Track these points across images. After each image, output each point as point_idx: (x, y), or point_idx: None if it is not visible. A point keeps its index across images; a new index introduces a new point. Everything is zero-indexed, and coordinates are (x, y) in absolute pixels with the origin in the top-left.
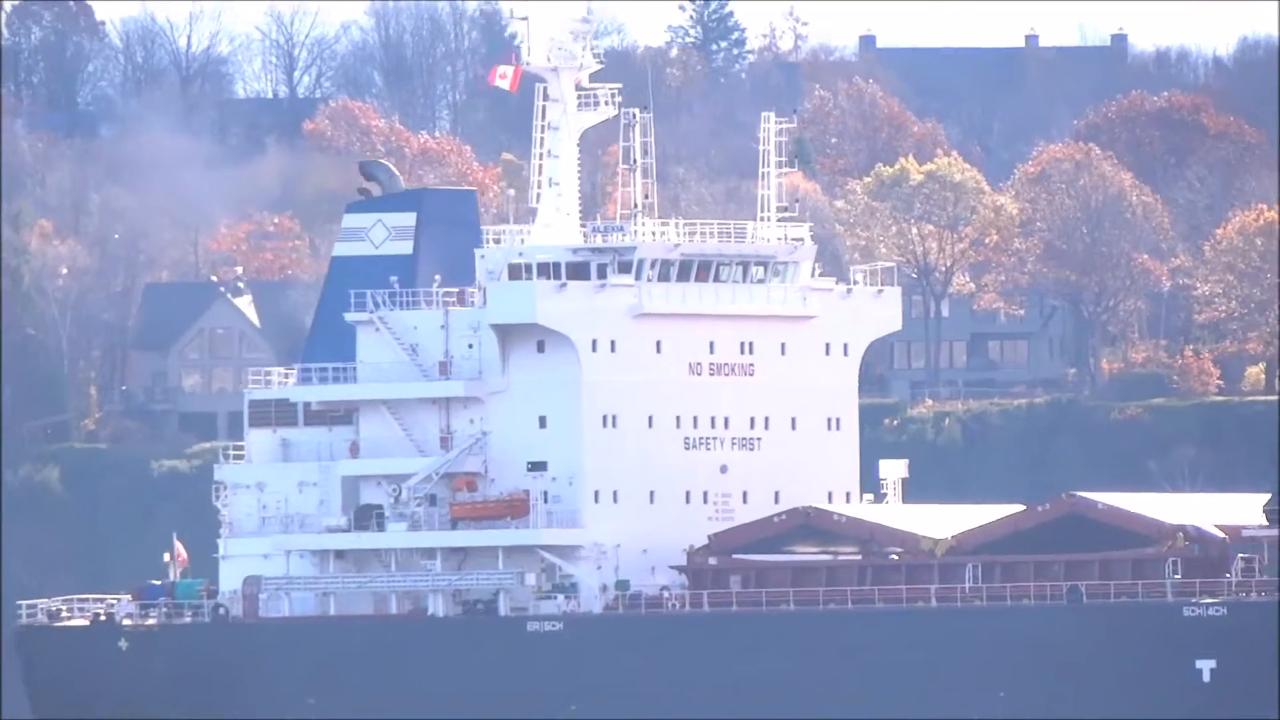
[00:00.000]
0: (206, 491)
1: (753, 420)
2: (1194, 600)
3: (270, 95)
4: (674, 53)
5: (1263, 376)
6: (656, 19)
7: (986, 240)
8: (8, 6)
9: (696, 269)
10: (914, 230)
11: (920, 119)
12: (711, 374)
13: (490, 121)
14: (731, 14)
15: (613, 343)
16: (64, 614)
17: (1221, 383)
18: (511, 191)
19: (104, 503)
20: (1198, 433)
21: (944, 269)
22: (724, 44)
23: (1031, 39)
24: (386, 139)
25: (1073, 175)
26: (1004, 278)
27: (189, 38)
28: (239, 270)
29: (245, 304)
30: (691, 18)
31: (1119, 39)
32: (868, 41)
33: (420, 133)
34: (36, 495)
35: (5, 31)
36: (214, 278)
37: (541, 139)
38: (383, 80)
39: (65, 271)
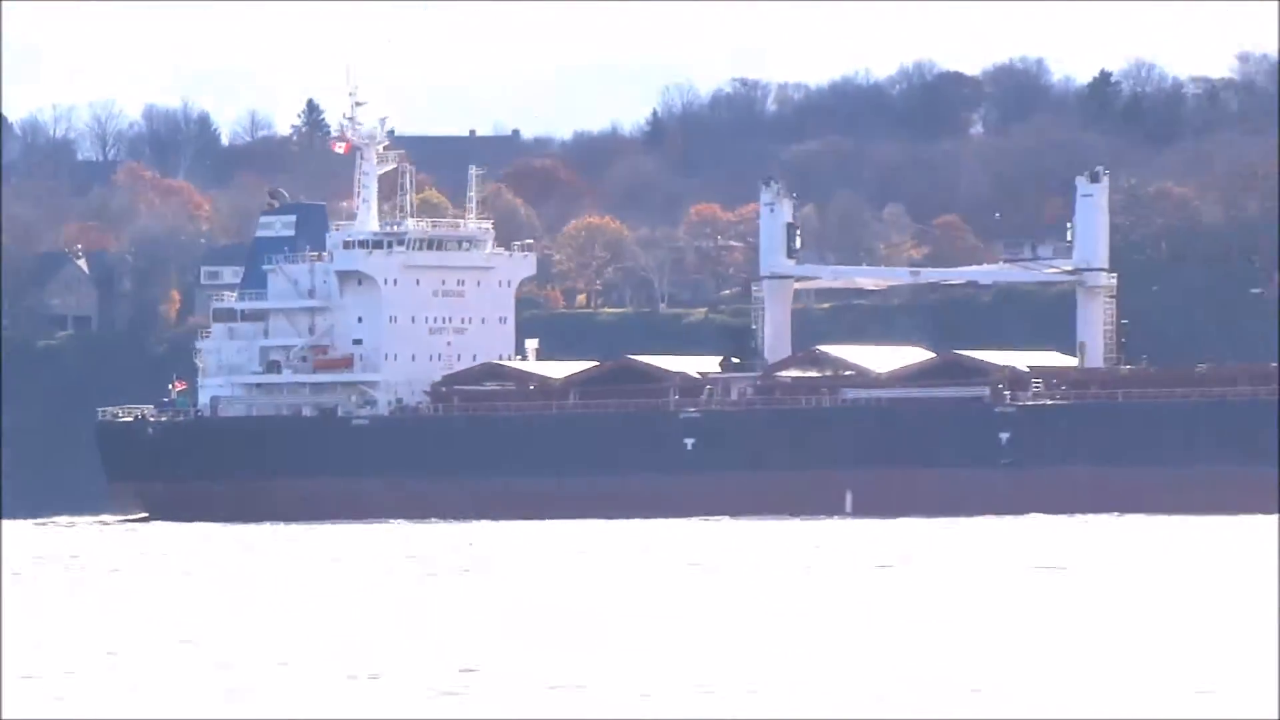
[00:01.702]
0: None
1: (464, 319)
2: (686, 409)
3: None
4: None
5: None
6: None
7: None
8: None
9: (438, 243)
10: None
11: None
12: (444, 296)
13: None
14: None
15: (396, 280)
16: (119, 415)
17: None
18: (346, 203)
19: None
20: None
21: None
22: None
23: None
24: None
25: None
26: None
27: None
28: None
29: None
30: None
31: None
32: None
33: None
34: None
35: None
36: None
37: (360, 179)
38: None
39: None
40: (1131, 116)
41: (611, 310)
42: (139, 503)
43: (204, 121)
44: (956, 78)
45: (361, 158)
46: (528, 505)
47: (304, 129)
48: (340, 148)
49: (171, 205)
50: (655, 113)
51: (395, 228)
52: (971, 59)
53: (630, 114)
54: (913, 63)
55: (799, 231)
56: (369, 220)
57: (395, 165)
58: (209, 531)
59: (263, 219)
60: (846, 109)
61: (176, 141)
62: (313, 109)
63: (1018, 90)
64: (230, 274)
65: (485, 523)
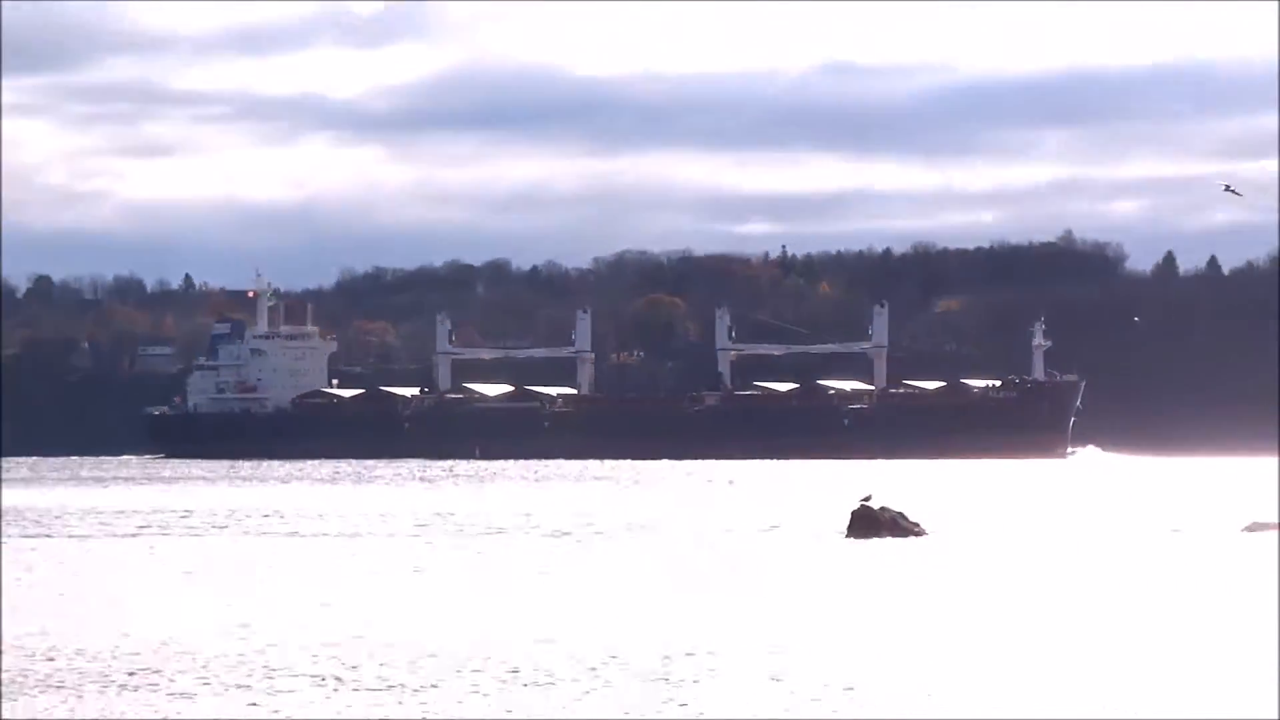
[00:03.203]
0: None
1: (305, 370)
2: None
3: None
4: None
5: None
6: None
7: None
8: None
9: (294, 335)
10: None
11: None
12: (297, 360)
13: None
14: None
15: (277, 353)
16: (155, 411)
17: None
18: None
19: None
20: None
21: None
22: None
23: None
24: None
25: None
26: None
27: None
28: None
29: None
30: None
31: None
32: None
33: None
34: None
35: None
36: None
37: (257, 310)
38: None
39: None
40: (535, 283)
41: None
42: (162, 449)
43: (141, 284)
44: (458, 264)
45: (261, 300)
46: (332, 456)
47: (184, 288)
48: (251, 294)
49: (125, 321)
50: (338, 281)
51: (276, 329)
52: (474, 254)
53: (327, 281)
54: (443, 262)
55: (453, 333)
56: (263, 326)
57: (275, 303)
58: (198, 463)
59: (216, 325)
60: (413, 285)
61: (130, 292)
62: (189, 280)
63: (494, 273)
64: (153, 350)
65: (319, 461)
